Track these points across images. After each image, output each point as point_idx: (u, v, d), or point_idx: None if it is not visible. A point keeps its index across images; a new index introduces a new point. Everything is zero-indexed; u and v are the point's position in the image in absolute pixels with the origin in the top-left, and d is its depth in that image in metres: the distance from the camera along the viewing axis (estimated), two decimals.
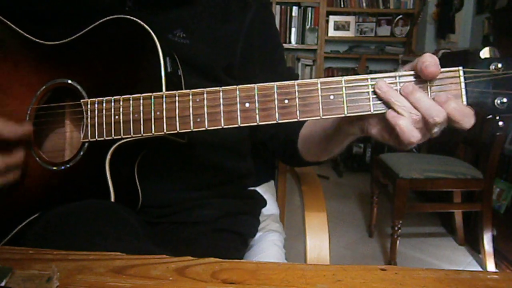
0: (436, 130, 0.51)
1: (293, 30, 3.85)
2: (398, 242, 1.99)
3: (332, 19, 3.90)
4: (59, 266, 0.46)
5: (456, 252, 2.22)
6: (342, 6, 3.90)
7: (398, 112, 0.51)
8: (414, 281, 0.45)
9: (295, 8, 3.83)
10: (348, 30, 3.92)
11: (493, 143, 1.88)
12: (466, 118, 0.50)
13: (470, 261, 2.13)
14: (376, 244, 2.34)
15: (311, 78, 3.81)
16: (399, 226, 1.96)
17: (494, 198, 2.04)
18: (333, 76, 3.92)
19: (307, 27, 3.85)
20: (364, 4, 3.90)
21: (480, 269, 2.00)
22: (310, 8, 3.84)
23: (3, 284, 0.43)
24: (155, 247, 0.60)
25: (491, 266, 1.95)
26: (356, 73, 3.78)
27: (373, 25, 3.93)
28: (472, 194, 2.16)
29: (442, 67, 0.53)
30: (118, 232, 0.58)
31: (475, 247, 2.16)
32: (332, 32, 3.91)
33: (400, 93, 0.52)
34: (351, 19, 3.92)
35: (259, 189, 0.99)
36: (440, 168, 1.98)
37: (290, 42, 3.85)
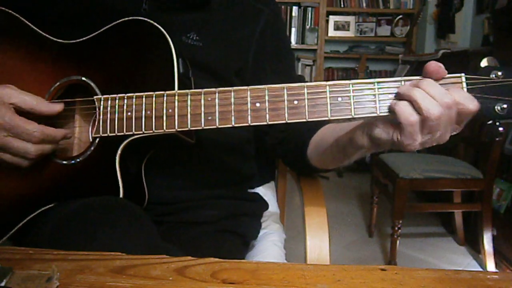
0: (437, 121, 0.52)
1: (293, 30, 3.85)
2: (398, 242, 1.99)
3: (332, 19, 3.90)
4: (59, 266, 0.46)
5: (456, 252, 2.22)
6: (342, 6, 3.90)
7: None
8: (414, 281, 0.45)
9: (295, 8, 3.83)
10: (348, 30, 3.92)
11: (493, 143, 1.88)
12: (468, 100, 0.52)
13: (470, 261, 2.13)
14: (376, 244, 2.34)
15: (311, 78, 3.82)
16: (399, 226, 1.95)
17: (494, 198, 2.03)
18: (333, 76, 3.92)
19: (307, 27, 3.85)
20: (364, 4, 3.90)
21: (480, 269, 2.00)
22: (310, 8, 3.84)
23: (3, 284, 0.43)
24: (168, 244, 0.61)
25: (491, 266, 1.95)
26: (356, 73, 3.78)
27: (373, 25, 3.93)
28: (472, 194, 2.16)
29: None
30: (133, 230, 0.59)
31: (475, 247, 2.16)
32: (332, 32, 3.91)
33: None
34: (351, 19, 3.92)
35: (259, 189, 1.00)
36: (440, 168, 1.98)
37: (290, 42, 3.85)
